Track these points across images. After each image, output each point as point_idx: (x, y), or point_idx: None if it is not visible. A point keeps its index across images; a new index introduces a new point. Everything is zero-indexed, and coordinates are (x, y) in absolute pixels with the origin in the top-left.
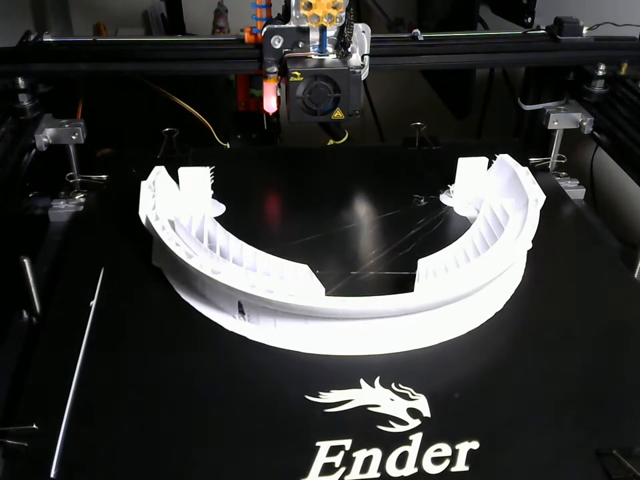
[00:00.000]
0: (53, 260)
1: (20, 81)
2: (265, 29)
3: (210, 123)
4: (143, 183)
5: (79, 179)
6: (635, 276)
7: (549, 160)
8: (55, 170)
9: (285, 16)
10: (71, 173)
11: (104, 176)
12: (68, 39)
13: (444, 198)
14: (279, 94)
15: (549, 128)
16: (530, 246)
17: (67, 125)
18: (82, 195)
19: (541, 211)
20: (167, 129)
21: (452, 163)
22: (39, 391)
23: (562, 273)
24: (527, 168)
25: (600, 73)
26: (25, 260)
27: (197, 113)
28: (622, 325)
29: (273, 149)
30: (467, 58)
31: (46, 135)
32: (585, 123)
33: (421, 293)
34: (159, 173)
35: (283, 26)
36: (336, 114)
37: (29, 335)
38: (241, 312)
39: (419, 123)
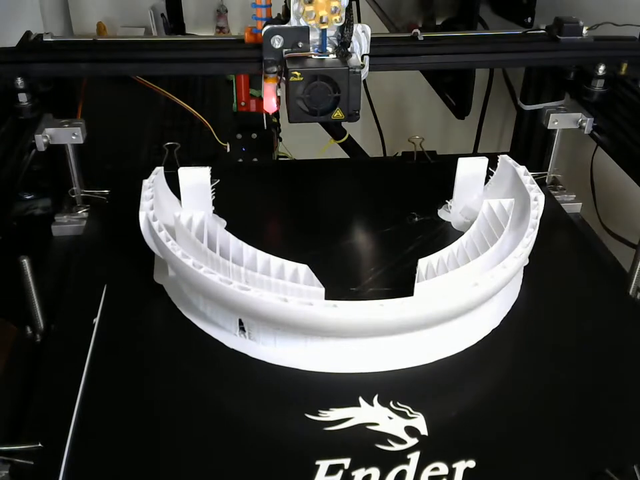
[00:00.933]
0: (57, 275)
1: (20, 80)
2: (264, 29)
3: (210, 123)
4: (145, 182)
5: (81, 194)
6: (635, 276)
7: (546, 174)
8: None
9: (285, 16)
10: (74, 188)
11: (106, 191)
12: (68, 39)
13: (442, 213)
14: (279, 94)
15: (548, 128)
16: (527, 262)
17: (66, 125)
18: (84, 210)
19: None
20: (169, 143)
21: (449, 177)
22: (44, 410)
23: (558, 290)
24: (524, 167)
25: (600, 72)
26: (24, 260)
27: (196, 113)
28: (617, 342)
29: (272, 163)
30: (467, 58)
31: (46, 135)
32: (584, 123)
33: (420, 294)
34: (158, 173)
35: (283, 26)
36: (336, 114)
37: (34, 352)
38: (242, 329)
39: (417, 137)
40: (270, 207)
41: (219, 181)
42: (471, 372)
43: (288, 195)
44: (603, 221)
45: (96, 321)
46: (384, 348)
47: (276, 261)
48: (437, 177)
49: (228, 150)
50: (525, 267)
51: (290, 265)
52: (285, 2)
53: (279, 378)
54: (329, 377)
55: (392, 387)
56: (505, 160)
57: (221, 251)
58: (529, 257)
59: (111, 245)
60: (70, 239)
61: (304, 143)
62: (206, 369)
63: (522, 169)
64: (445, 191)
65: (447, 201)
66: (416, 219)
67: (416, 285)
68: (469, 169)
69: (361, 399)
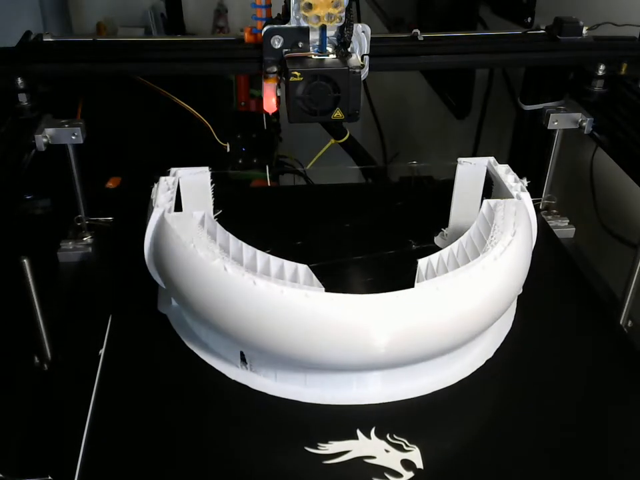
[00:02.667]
0: (63, 303)
1: (20, 80)
2: (264, 29)
3: (210, 123)
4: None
5: (86, 222)
6: (635, 276)
7: (540, 200)
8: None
9: (285, 16)
10: (79, 216)
11: (110, 218)
12: (68, 39)
13: (438, 240)
14: (278, 94)
15: (548, 128)
16: (520, 291)
17: (66, 125)
18: (90, 236)
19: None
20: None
21: (445, 204)
22: (53, 442)
23: (549, 321)
24: (507, 165)
25: (600, 72)
26: (24, 260)
27: (197, 113)
28: (609, 376)
29: (273, 189)
30: (467, 58)
31: (46, 135)
32: (584, 123)
33: (422, 289)
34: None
35: (283, 26)
36: (336, 114)
37: (42, 381)
38: (243, 361)
39: (414, 162)
40: (267, 231)
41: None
42: (465, 404)
43: (283, 220)
44: (602, 221)
45: (102, 352)
46: (380, 380)
47: (276, 261)
48: (433, 203)
49: (228, 150)
50: (518, 296)
51: (290, 265)
52: (285, 2)
53: (279, 410)
54: (328, 408)
55: (388, 419)
56: (489, 163)
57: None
58: (523, 287)
59: (116, 273)
60: (76, 265)
61: (304, 143)
62: (208, 400)
63: (503, 168)
64: (441, 217)
65: (442, 229)
66: (413, 246)
67: (416, 284)
68: (469, 171)
69: (358, 432)
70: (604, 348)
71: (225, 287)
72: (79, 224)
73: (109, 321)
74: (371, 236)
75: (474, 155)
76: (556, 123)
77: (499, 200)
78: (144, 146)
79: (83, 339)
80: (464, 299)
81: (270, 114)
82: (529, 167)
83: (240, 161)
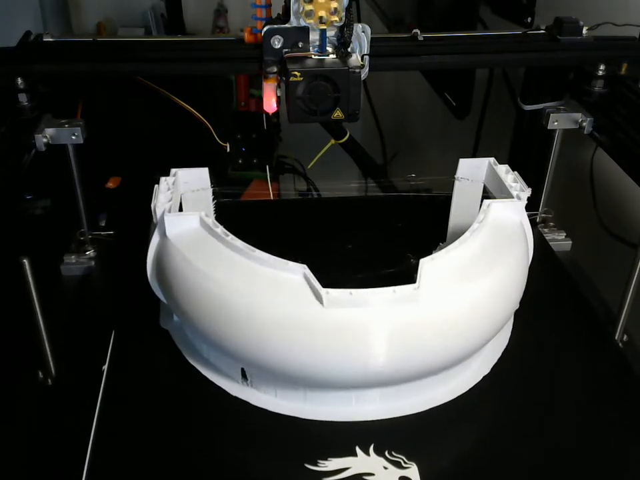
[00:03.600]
0: (67, 317)
1: (20, 80)
2: (264, 29)
3: (210, 123)
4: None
5: (89, 236)
6: (635, 277)
7: (537, 213)
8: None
9: (285, 16)
10: (82, 230)
11: (112, 232)
12: (68, 39)
13: None
14: (278, 94)
15: (548, 128)
16: (517, 306)
17: (66, 125)
18: (92, 250)
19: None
20: None
21: (444, 217)
22: (56, 458)
23: (545, 336)
24: (507, 166)
25: (600, 73)
26: (24, 260)
27: (196, 113)
28: (604, 393)
29: (272, 202)
30: (467, 58)
31: (46, 135)
32: (584, 123)
33: (423, 285)
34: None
35: (282, 26)
36: (336, 114)
37: (45, 397)
38: (244, 377)
39: (413, 175)
40: (265, 245)
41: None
42: (463, 420)
43: (280, 235)
44: (603, 221)
45: (105, 368)
46: (379, 397)
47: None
48: (431, 216)
49: (228, 150)
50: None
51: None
52: (285, 2)
53: (279, 426)
54: (327, 425)
55: (387, 436)
56: (490, 163)
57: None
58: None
59: (119, 287)
60: (79, 278)
61: (304, 143)
62: (209, 416)
63: (503, 168)
64: (439, 231)
65: (440, 243)
66: (412, 260)
67: (415, 302)
68: (470, 170)
69: (357, 449)
70: (599, 364)
71: (225, 307)
72: (81, 238)
73: (112, 336)
74: (369, 252)
75: (474, 154)
76: (556, 123)
77: (498, 200)
78: (144, 146)
79: (86, 354)
80: (463, 316)
81: (270, 114)
82: (529, 167)
83: (240, 161)
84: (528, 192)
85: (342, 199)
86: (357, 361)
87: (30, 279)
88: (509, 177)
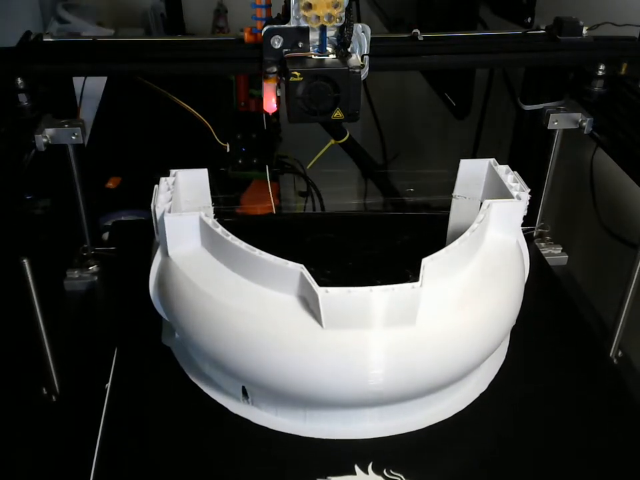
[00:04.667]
0: (70, 332)
1: (20, 80)
2: (264, 29)
3: (210, 123)
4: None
5: (92, 252)
6: (635, 277)
7: (534, 228)
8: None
9: (285, 16)
10: (85, 246)
11: (113, 247)
12: (68, 39)
13: None
14: (278, 94)
15: (548, 128)
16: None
17: (66, 125)
18: (95, 265)
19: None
20: None
21: (442, 232)
22: (60, 475)
23: (541, 352)
24: (507, 166)
25: (600, 73)
26: (24, 261)
27: (196, 113)
28: (599, 411)
29: (274, 217)
30: (467, 58)
31: (46, 135)
32: (584, 123)
33: (419, 328)
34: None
35: (282, 26)
36: (336, 114)
37: (49, 414)
38: (245, 395)
39: (411, 190)
40: None
41: None
42: (460, 438)
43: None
44: (603, 221)
45: (108, 386)
46: (378, 414)
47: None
48: (430, 230)
49: (228, 150)
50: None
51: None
52: (285, 2)
53: (279, 444)
54: (327, 443)
55: (385, 454)
56: (490, 164)
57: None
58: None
59: (121, 303)
60: (82, 293)
61: (304, 143)
62: (210, 434)
63: (503, 168)
64: (438, 246)
65: (410, 275)
66: (410, 276)
67: (415, 323)
68: (471, 171)
69: (356, 467)
70: (594, 381)
71: (225, 328)
72: (84, 254)
73: (115, 353)
74: (367, 269)
75: (474, 154)
76: (556, 123)
77: (498, 200)
78: (144, 146)
79: (89, 371)
80: (460, 337)
81: (270, 114)
82: (529, 167)
83: (240, 161)
84: (527, 191)
85: (339, 215)
86: (356, 381)
87: (30, 279)
88: (509, 177)
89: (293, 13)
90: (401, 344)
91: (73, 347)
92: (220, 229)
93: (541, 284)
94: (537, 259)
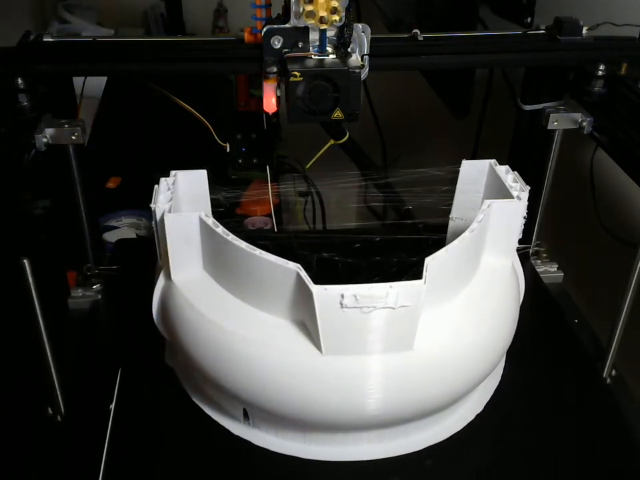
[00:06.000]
0: (75, 351)
1: (20, 81)
2: (264, 29)
3: (210, 123)
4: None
5: (95, 271)
6: (634, 277)
7: (529, 247)
8: None
9: (285, 16)
10: (88, 265)
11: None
12: (68, 39)
13: None
14: (278, 94)
15: (548, 128)
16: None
17: (66, 125)
18: (99, 284)
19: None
20: None
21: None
22: None
23: (538, 374)
24: (507, 166)
25: (600, 73)
26: (24, 261)
27: (196, 113)
28: (593, 431)
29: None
30: (467, 58)
31: (45, 135)
32: (584, 123)
33: (416, 353)
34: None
35: (282, 26)
36: (336, 114)
37: (54, 435)
38: (246, 417)
39: (410, 207)
40: None
41: None
42: (457, 459)
43: None
44: (603, 221)
45: (112, 407)
46: (376, 437)
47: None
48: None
49: (228, 150)
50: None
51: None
52: (285, 2)
53: (280, 466)
54: (326, 465)
55: (384, 475)
56: (491, 165)
57: None
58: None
59: (125, 322)
60: (86, 312)
61: (304, 143)
62: (212, 455)
63: (503, 168)
64: None
65: None
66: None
67: (412, 349)
68: (472, 171)
69: None
70: (588, 402)
71: (226, 352)
72: (88, 273)
73: (119, 373)
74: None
75: (474, 155)
76: (556, 123)
77: (499, 200)
78: (144, 146)
79: (94, 390)
80: (458, 361)
81: (270, 114)
82: (529, 167)
83: (240, 161)
84: (527, 190)
85: (338, 238)
86: (355, 406)
87: (30, 280)
88: (509, 177)
89: (292, 13)
90: (399, 369)
91: (78, 365)
92: (220, 229)
93: (536, 303)
94: (532, 278)
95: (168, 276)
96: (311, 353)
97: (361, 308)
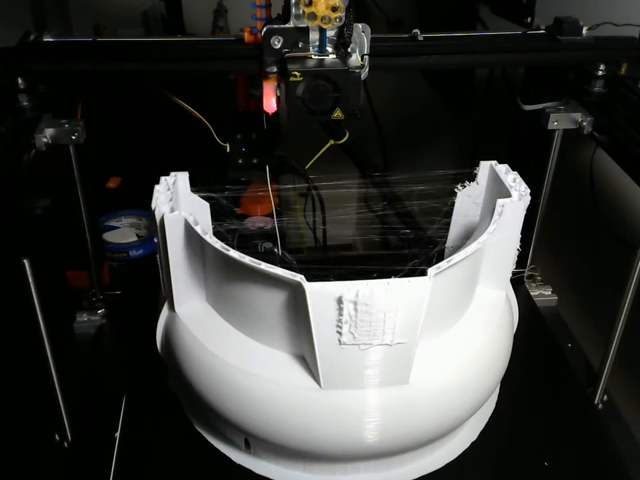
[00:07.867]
0: (80, 376)
1: (20, 80)
2: (264, 29)
3: (210, 123)
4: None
5: (100, 296)
6: (635, 277)
7: (524, 271)
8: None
9: (285, 16)
10: (93, 290)
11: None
12: (68, 39)
13: None
14: (278, 94)
15: (548, 128)
16: None
17: (66, 125)
18: (104, 309)
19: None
20: None
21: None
22: None
23: (532, 402)
24: (507, 165)
25: (600, 73)
26: (25, 261)
27: (196, 113)
28: (587, 457)
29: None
30: (467, 58)
31: (45, 135)
32: (584, 123)
33: (412, 386)
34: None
35: (282, 26)
36: (335, 114)
37: (62, 461)
38: (247, 446)
39: (408, 231)
40: None
41: None
42: None
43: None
44: (603, 221)
45: (117, 435)
46: (372, 466)
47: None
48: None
49: (228, 150)
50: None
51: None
52: (285, 2)
53: None
54: None
55: None
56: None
57: None
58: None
59: (129, 348)
60: (92, 336)
61: (304, 143)
62: None
63: (503, 168)
64: None
65: None
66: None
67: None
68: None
69: None
70: (580, 427)
71: (229, 385)
72: (93, 299)
73: (123, 401)
74: None
75: (474, 155)
76: (556, 123)
77: (507, 199)
78: (144, 146)
79: (100, 416)
80: (453, 393)
81: (270, 114)
82: (529, 167)
83: (240, 161)
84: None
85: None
86: (353, 438)
87: (31, 280)
88: (509, 177)
89: (292, 12)
90: (395, 402)
91: (84, 390)
92: (220, 245)
93: (530, 329)
94: (526, 302)
95: (172, 307)
96: (310, 386)
97: (358, 345)
